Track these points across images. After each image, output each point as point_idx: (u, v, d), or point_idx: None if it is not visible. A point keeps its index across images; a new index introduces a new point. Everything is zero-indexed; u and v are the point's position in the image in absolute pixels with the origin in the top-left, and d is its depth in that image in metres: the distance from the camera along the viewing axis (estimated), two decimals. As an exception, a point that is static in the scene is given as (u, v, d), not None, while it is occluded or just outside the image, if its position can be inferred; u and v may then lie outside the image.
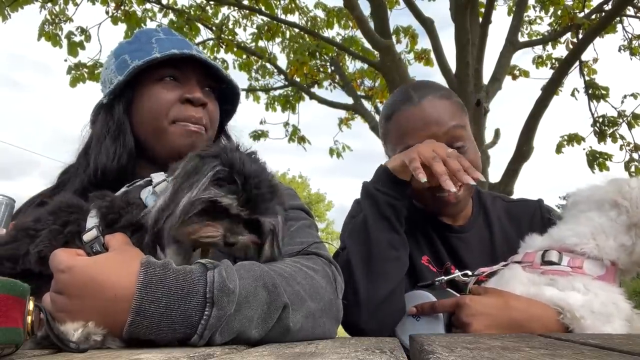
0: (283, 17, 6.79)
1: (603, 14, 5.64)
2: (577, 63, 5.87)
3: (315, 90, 7.26)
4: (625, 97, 6.05)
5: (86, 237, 0.81)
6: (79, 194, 0.96)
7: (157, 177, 0.86)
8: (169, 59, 1.09)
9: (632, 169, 5.97)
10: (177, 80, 1.12)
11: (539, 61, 7.06)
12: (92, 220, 0.82)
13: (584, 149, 6.18)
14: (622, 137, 6.12)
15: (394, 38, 6.15)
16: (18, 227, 0.84)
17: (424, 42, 7.07)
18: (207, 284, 0.72)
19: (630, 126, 6.07)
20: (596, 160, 6.03)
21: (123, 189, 0.89)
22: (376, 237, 1.17)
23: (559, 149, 6.37)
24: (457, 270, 1.27)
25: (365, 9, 5.54)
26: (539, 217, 1.41)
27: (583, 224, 1.17)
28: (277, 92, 7.73)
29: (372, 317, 1.13)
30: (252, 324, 0.76)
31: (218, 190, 0.75)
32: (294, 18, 7.03)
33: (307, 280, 0.87)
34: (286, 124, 7.76)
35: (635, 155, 6.01)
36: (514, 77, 7.01)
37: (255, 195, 0.76)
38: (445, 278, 1.22)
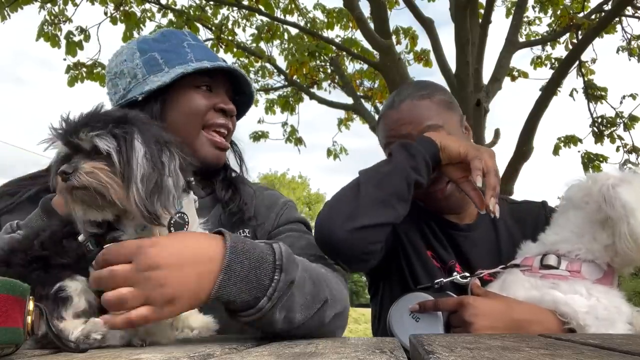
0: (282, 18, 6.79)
1: (602, 14, 5.65)
2: (577, 63, 5.87)
3: (315, 90, 7.25)
4: (624, 97, 6.06)
5: (80, 237, 0.82)
6: None
7: None
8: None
9: (626, 170, 5.94)
10: (211, 89, 1.19)
11: (537, 62, 7.06)
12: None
13: (579, 152, 6.18)
14: (620, 138, 6.13)
15: (393, 38, 6.14)
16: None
17: (424, 42, 7.07)
18: (275, 253, 0.80)
19: (627, 127, 6.07)
20: (592, 162, 6.01)
21: None
22: (393, 180, 1.16)
23: (556, 151, 6.37)
24: (458, 270, 1.27)
25: (365, 9, 5.54)
26: (544, 218, 1.41)
27: (564, 226, 1.18)
28: (276, 93, 7.73)
29: (350, 234, 1.10)
30: (298, 307, 0.82)
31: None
32: (293, 19, 7.04)
33: (337, 286, 0.97)
34: (284, 124, 7.76)
35: (631, 157, 6.01)
36: (513, 79, 7.00)
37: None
38: (445, 280, 1.22)
